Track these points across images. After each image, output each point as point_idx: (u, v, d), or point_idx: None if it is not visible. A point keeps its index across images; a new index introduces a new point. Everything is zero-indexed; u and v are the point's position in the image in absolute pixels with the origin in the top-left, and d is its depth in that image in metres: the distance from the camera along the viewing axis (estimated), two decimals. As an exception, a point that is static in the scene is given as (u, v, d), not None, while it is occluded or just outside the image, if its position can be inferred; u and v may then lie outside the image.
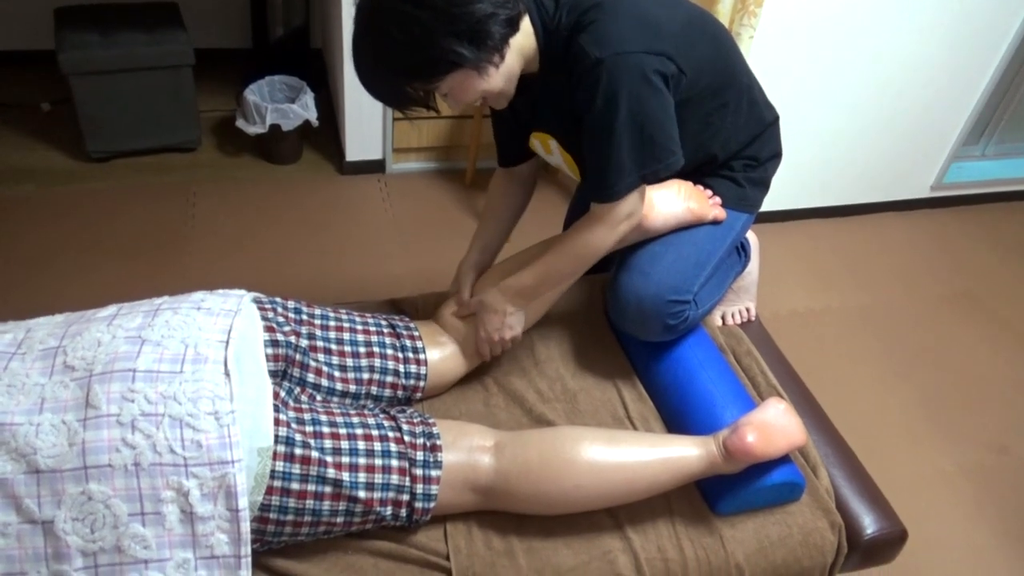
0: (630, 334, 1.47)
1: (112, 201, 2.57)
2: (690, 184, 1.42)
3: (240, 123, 2.70)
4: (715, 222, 1.43)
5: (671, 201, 1.39)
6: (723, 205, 1.45)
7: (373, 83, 1.22)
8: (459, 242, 2.57)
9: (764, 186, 1.51)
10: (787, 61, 2.41)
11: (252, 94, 2.69)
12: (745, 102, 1.41)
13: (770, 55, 2.34)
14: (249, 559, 1.01)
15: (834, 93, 2.55)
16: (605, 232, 1.30)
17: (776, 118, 1.49)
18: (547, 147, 1.39)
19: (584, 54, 1.18)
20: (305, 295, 2.26)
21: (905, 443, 2.12)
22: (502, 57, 1.19)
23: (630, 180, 1.24)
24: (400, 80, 1.19)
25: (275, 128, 2.67)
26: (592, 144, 1.24)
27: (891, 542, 1.32)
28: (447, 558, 1.15)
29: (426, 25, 1.11)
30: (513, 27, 1.19)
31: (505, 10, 1.15)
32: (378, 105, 2.67)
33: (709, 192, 1.44)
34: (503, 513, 1.21)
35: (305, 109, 2.70)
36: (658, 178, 1.27)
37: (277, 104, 2.67)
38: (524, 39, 1.23)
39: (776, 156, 1.50)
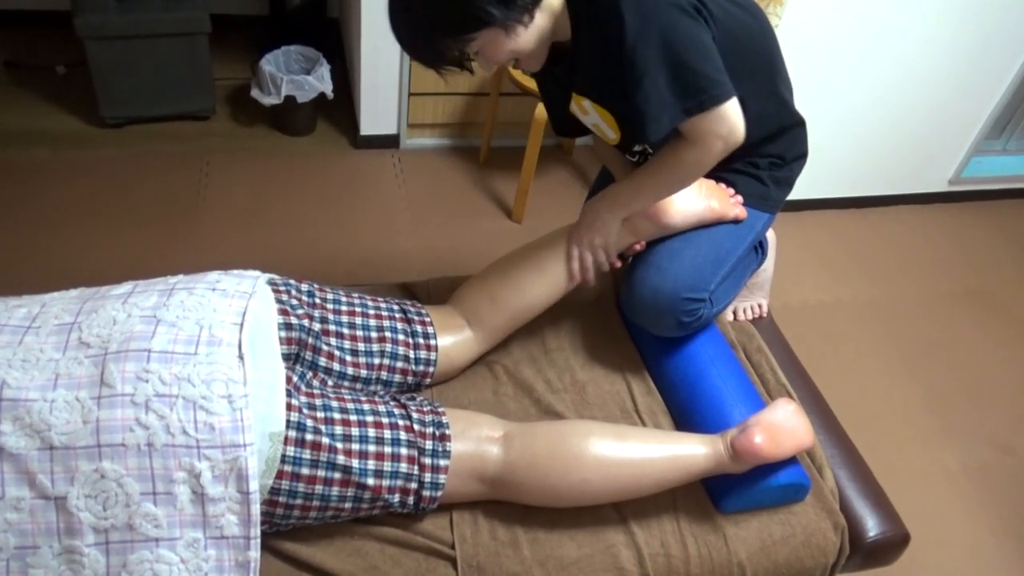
0: (642, 328, 1.46)
1: (126, 168, 2.57)
2: (712, 182, 1.41)
3: (255, 93, 2.68)
4: (735, 221, 1.42)
5: (692, 199, 1.38)
6: (745, 203, 1.44)
7: (406, 38, 1.22)
8: (470, 221, 2.59)
9: (788, 186, 1.49)
10: (810, 51, 2.37)
11: (268, 64, 2.67)
12: (774, 92, 1.38)
13: (793, 44, 2.30)
14: (258, 540, 1.02)
15: (854, 83, 2.52)
16: (697, 152, 1.23)
17: (803, 122, 1.47)
18: (583, 108, 1.38)
19: None
20: (316, 270, 2.30)
21: (910, 440, 2.13)
22: (531, 17, 1.19)
23: (674, 112, 1.19)
24: (431, 36, 1.19)
25: (290, 99, 2.65)
26: (631, 82, 1.19)
27: (893, 545, 1.33)
28: (452, 546, 1.17)
29: None
30: None
31: None
32: (394, 79, 2.65)
33: (731, 191, 1.43)
34: (509, 503, 1.22)
35: (320, 81, 2.68)
36: (703, 109, 1.18)
37: (293, 75, 2.65)
38: (554, 0, 1.22)
39: (802, 156, 1.49)
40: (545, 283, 1.40)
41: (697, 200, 1.38)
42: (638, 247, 1.42)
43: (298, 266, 2.29)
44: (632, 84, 1.18)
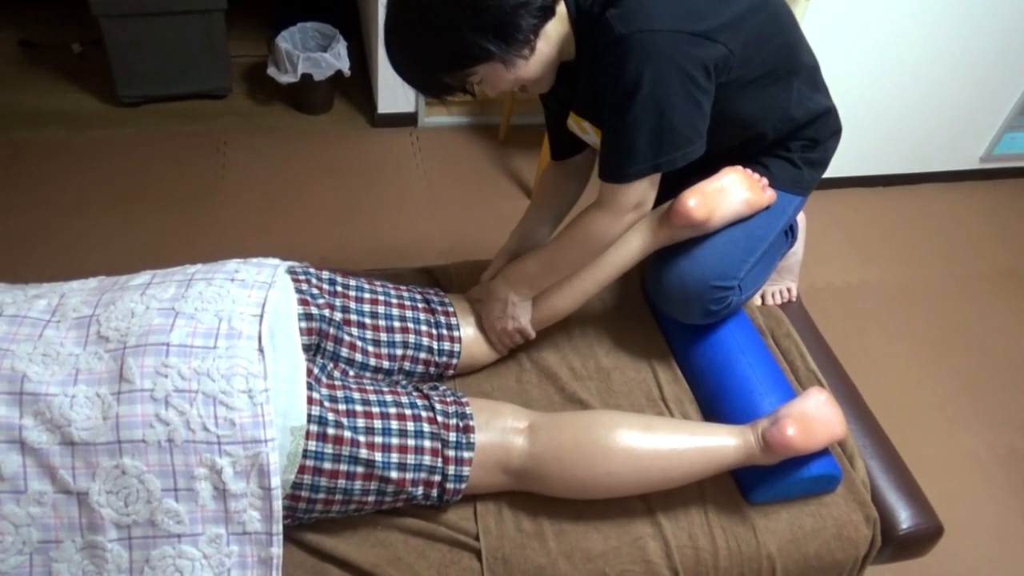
0: (669, 315, 1.43)
1: (143, 148, 2.55)
2: (740, 170, 1.35)
3: (272, 71, 2.64)
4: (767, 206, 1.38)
5: (729, 199, 1.32)
6: (776, 187, 1.38)
7: (405, 73, 1.19)
8: (490, 201, 2.55)
9: (823, 166, 1.44)
10: (840, 26, 2.30)
11: (284, 41, 2.63)
12: (805, 84, 1.33)
13: (823, 20, 2.23)
14: (280, 536, 1.01)
15: (882, 57, 2.44)
16: (610, 220, 1.24)
17: (833, 107, 1.42)
18: (582, 127, 1.34)
19: (609, 29, 1.12)
20: (334, 251, 2.27)
21: (938, 424, 2.09)
22: (532, 49, 1.15)
23: (642, 167, 1.18)
24: (429, 72, 1.17)
25: (307, 77, 2.61)
26: (609, 122, 1.18)
27: (927, 537, 1.30)
28: (476, 538, 1.15)
29: (451, 19, 1.07)
30: (547, 15, 1.14)
31: None
32: (412, 56, 2.60)
33: (757, 176, 1.37)
34: (534, 495, 1.20)
35: (337, 58, 2.64)
36: (673, 167, 1.19)
37: (309, 52, 2.61)
38: (559, 25, 1.18)
39: (836, 133, 1.43)
40: (584, 288, 1.36)
41: (734, 199, 1.32)
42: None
43: (316, 247, 2.27)
44: (610, 122, 1.19)
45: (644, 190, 1.23)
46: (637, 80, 1.11)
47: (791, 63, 1.30)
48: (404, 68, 1.19)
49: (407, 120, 2.79)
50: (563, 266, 1.33)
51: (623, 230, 1.27)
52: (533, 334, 1.37)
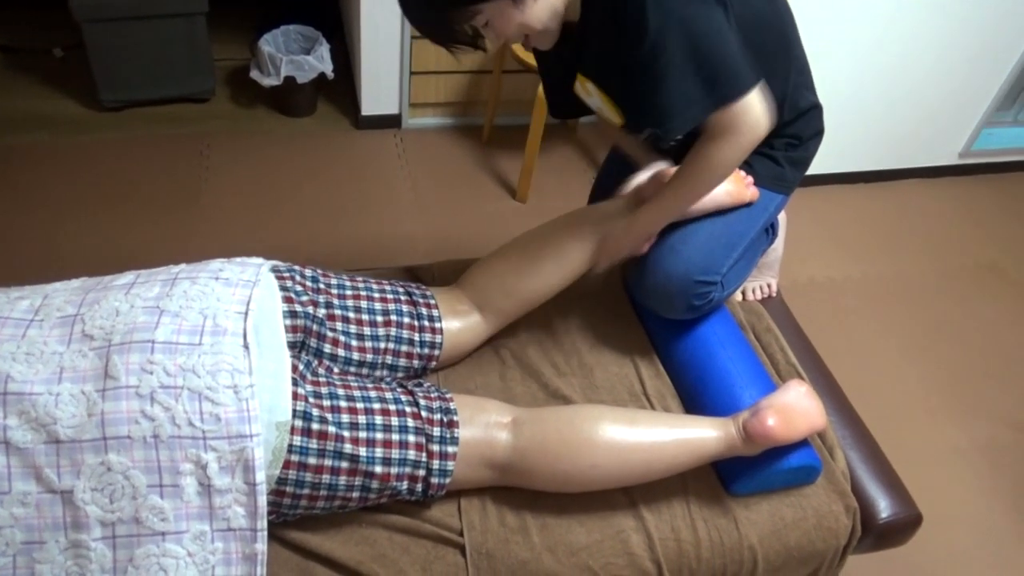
0: (652, 310, 1.44)
1: (126, 152, 2.54)
2: None
3: (254, 74, 2.64)
4: (748, 203, 1.39)
5: None
6: (759, 184, 1.40)
7: (415, 13, 1.18)
8: (474, 202, 2.56)
9: (804, 165, 1.46)
10: (820, 26, 2.33)
11: (267, 45, 2.63)
12: (788, 76, 1.35)
13: (803, 20, 2.25)
14: (265, 532, 1.02)
15: (862, 54, 2.47)
16: (728, 148, 1.21)
17: (819, 104, 1.44)
18: (587, 90, 1.34)
19: None
20: (319, 252, 2.28)
21: (921, 417, 2.11)
22: None
23: (699, 108, 1.16)
24: (438, 8, 1.15)
25: (290, 80, 2.62)
26: (648, 79, 1.16)
27: (906, 526, 1.32)
28: (460, 533, 1.16)
29: None
30: None
31: None
32: (395, 58, 2.61)
33: (742, 173, 1.40)
34: (517, 489, 1.21)
35: (320, 61, 2.65)
36: (730, 100, 1.16)
37: (292, 55, 2.61)
38: None
39: (818, 134, 1.45)
40: (558, 268, 1.38)
41: (719, 188, 1.34)
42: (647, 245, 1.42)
43: (301, 249, 2.28)
44: (654, 79, 1.15)
45: (742, 111, 1.18)
46: (664, 21, 1.10)
47: (786, 53, 1.32)
48: (415, 8, 1.18)
49: (391, 122, 2.79)
50: (688, 200, 1.32)
51: (743, 153, 1.23)
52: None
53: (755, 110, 1.18)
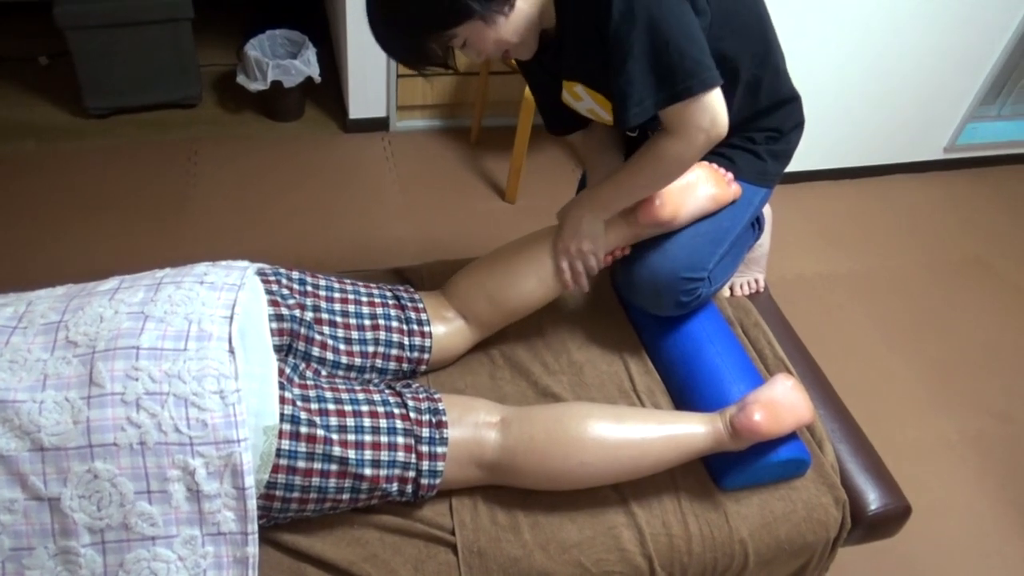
0: (640, 308, 1.45)
1: (113, 159, 2.53)
2: (707, 165, 1.37)
3: (241, 79, 2.64)
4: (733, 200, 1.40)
5: (695, 196, 1.34)
6: (742, 179, 1.41)
7: (386, 39, 1.18)
8: (463, 203, 2.56)
9: (786, 158, 1.46)
10: (803, 22, 2.34)
11: (253, 49, 2.63)
12: (766, 58, 1.35)
13: (787, 15, 2.26)
14: (256, 536, 1.02)
15: (846, 50, 2.49)
16: (681, 145, 1.20)
17: (798, 96, 1.44)
18: (575, 94, 1.34)
19: None
20: (307, 256, 2.27)
21: (908, 410, 2.12)
22: (511, 6, 1.15)
23: (658, 98, 1.16)
24: (411, 33, 1.16)
25: (277, 85, 2.62)
26: (615, 63, 1.16)
27: (895, 517, 1.33)
28: (452, 532, 1.16)
29: None
30: None
31: None
32: (382, 61, 2.61)
33: (722, 170, 1.40)
34: (508, 488, 1.21)
35: (307, 65, 2.64)
36: (691, 95, 1.15)
37: (279, 60, 2.61)
38: None
39: (799, 126, 1.46)
40: (543, 282, 1.38)
41: (699, 196, 1.35)
42: (622, 252, 1.41)
43: (289, 253, 2.27)
44: (617, 65, 1.15)
45: (714, 109, 1.17)
46: (632, 7, 1.10)
47: (761, 30, 1.32)
48: (384, 33, 1.17)
49: (379, 125, 2.79)
50: (635, 191, 1.32)
51: (697, 154, 1.22)
52: (603, 261, 1.37)
53: (712, 110, 1.17)
